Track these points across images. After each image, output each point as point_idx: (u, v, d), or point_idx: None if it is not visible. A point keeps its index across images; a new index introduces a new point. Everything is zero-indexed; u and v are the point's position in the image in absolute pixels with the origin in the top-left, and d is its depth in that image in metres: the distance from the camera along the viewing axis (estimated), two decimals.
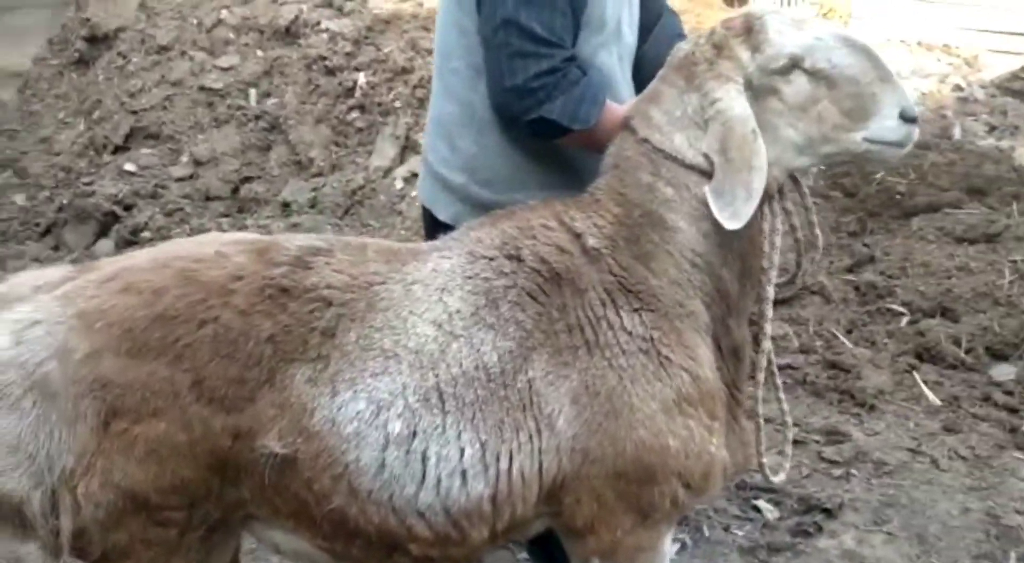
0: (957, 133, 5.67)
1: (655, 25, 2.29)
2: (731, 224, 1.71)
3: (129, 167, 5.53)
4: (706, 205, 1.75)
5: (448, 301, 1.71)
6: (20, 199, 5.80)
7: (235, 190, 5.28)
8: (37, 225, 5.42)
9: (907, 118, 1.76)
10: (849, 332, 4.09)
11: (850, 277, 4.36)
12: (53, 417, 1.59)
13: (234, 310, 1.62)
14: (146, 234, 5.12)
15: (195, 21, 6.32)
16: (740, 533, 2.95)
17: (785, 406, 2.08)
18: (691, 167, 1.78)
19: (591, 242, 1.78)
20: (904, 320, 4.08)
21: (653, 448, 1.72)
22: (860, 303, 4.24)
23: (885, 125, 1.75)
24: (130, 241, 5.08)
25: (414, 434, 1.64)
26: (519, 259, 1.76)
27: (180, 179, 5.41)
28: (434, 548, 1.73)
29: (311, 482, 1.64)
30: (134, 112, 5.86)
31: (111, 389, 1.58)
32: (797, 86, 1.77)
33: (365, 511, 1.66)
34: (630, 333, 1.73)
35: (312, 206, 4.78)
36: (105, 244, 5.10)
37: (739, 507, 3.08)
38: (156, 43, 6.31)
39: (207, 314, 1.61)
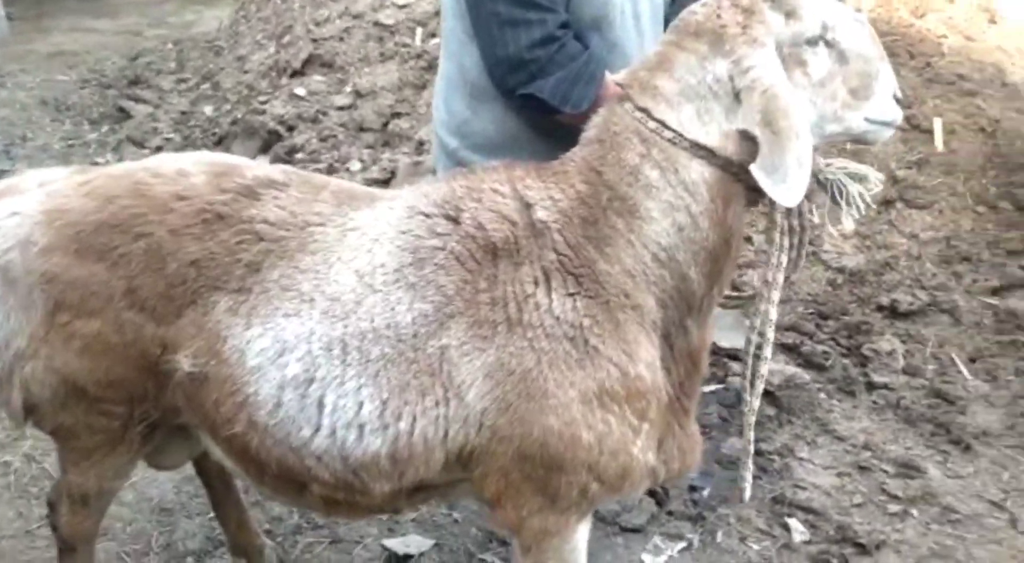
0: None
1: None
2: (789, 200, 1.59)
3: (299, 91, 5.89)
4: (690, 192, 1.64)
5: (376, 253, 1.70)
6: (208, 110, 6.37)
7: (385, 124, 5.48)
8: (214, 134, 5.94)
9: (898, 99, 1.72)
10: (972, 361, 3.65)
11: (992, 300, 3.86)
12: (11, 301, 1.77)
13: (167, 228, 1.71)
14: (300, 155, 5.46)
15: None
16: (755, 547, 2.76)
17: (750, 435, 1.93)
18: (690, 145, 1.64)
19: (540, 214, 1.69)
20: None
21: (563, 436, 1.65)
22: (995, 331, 3.75)
23: (884, 105, 1.70)
24: (285, 160, 5.42)
25: (311, 380, 1.67)
26: (456, 221, 1.71)
27: (340, 108, 5.68)
28: (338, 492, 1.77)
29: (218, 404, 1.72)
30: (315, 40, 6.19)
31: (57, 284, 1.73)
32: (820, 59, 1.66)
33: (264, 443, 1.73)
34: (557, 317, 1.65)
35: None
36: (263, 160, 5.48)
37: (766, 520, 2.87)
38: None
39: (143, 228, 1.72)
